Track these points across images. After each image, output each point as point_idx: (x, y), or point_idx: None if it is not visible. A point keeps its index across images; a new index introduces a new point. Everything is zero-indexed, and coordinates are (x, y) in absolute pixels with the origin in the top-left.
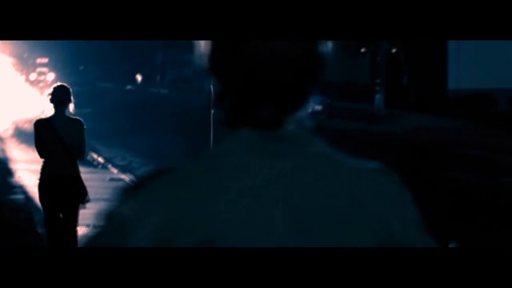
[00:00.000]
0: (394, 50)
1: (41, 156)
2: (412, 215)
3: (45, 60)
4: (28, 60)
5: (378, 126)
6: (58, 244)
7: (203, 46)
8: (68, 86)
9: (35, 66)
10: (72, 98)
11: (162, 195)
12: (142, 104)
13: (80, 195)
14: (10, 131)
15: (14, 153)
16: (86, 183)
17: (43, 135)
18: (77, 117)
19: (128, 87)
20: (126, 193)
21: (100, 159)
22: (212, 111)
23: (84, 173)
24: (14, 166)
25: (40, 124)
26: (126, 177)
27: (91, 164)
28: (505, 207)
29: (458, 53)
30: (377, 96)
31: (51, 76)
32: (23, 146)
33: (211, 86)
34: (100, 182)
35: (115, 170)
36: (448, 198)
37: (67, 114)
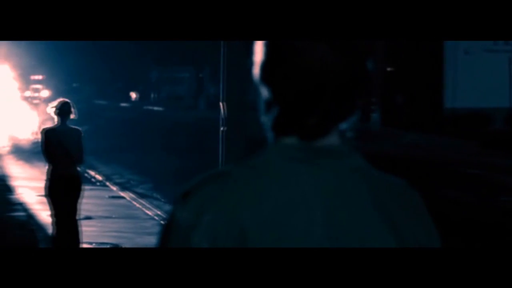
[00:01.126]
0: (389, 69)
1: (47, 160)
2: (433, 228)
3: (39, 77)
4: (22, 77)
5: (374, 145)
6: (63, 236)
7: (256, 55)
8: (70, 101)
9: (30, 83)
10: (73, 110)
11: (214, 198)
12: (137, 121)
13: (80, 191)
14: (7, 148)
15: (13, 170)
16: (86, 200)
17: (49, 141)
18: (76, 127)
19: (123, 104)
20: (184, 197)
21: (99, 177)
22: (222, 128)
23: (83, 190)
24: (13, 183)
25: (47, 133)
26: (126, 195)
27: (90, 181)
28: (503, 226)
29: (454, 71)
30: (373, 115)
31: (45, 93)
32: (21, 162)
33: (261, 94)
34: (100, 199)
35: (114, 188)
36: (445, 218)
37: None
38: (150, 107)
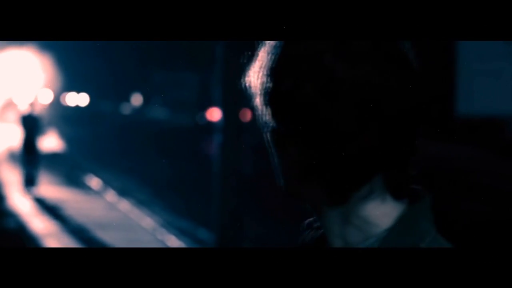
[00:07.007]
0: None
1: (22, 133)
2: None
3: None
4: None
5: None
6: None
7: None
8: (36, 98)
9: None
10: (37, 103)
11: None
12: (138, 126)
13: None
14: (3, 154)
15: (8, 176)
16: (87, 205)
17: (23, 123)
18: (38, 115)
19: (126, 108)
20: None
21: (99, 183)
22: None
23: (84, 196)
24: (7, 190)
25: (23, 118)
26: (126, 201)
27: (90, 188)
28: None
29: (468, 78)
30: None
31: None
32: (16, 170)
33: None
34: (101, 206)
35: (114, 194)
36: (460, 229)
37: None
38: (153, 111)
